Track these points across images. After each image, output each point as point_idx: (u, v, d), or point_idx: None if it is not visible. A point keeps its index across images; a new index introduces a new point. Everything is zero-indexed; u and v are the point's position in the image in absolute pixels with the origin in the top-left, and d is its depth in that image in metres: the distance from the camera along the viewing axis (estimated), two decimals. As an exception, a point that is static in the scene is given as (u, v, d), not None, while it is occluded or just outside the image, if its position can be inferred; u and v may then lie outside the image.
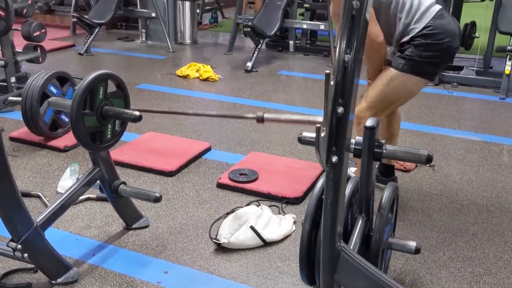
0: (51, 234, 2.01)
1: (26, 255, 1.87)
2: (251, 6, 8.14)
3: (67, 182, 2.75)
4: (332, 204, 1.47)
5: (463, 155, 3.39)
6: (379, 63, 2.45)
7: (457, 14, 5.26)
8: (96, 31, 5.94)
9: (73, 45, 6.42)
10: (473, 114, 4.32)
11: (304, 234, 1.71)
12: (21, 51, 4.22)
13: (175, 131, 3.70)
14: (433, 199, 2.80)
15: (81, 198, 2.56)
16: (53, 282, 2.01)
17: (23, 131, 3.39)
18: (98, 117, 2.08)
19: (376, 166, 2.26)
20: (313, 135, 1.42)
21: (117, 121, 2.19)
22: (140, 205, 2.54)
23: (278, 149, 3.42)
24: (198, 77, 5.10)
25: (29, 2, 4.17)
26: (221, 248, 2.29)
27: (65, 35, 7.04)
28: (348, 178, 1.64)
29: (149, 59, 5.94)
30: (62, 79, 3.37)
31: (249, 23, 5.46)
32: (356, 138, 1.65)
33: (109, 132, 2.16)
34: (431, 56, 2.35)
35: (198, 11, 7.41)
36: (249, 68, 5.40)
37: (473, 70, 5.07)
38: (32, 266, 2.04)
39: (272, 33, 5.75)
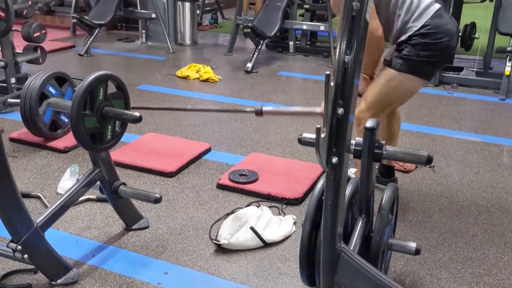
0: (51, 235, 2.01)
1: (26, 256, 1.87)
2: (251, 7, 8.15)
3: (67, 183, 2.75)
4: (332, 205, 1.47)
5: (463, 156, 3.39)
6: (377, 57, 2.44)
7: (457, 15, 5.26)
8: (96, 32, 5.94)
9: (73, 46, 6.42)
10: (473, 115, 4.33)
11: (304, 235, 1.71)
12: (21, 52, 4.22)
13: (175, 132, 3.71)
14: (433, 200, 2.80)
15: (81, 199, 2.56)
16: (53, 283, 2.01)
17: (23, 132, 3.39)
18: (98, 118, 2.08)
19: (376, 167, 2.26)
20: (313, 136, 1.41)
21: (117, 122, 2.19)
22: (140, 206, 2.54)
23: (278, 150, 3.42)
24: (198, 78, 5.10)
25: (29, 3, 4.17)
26: (221, 249, 2.29)
27: (65, 36, 7.04)
28: (348, 179, 1.64)
29: (149, 60, 5.95)
30: (61, 80, 3.37)
31: (249, 24, 5.47)
32: (356, 139, 1.65)
33: (109, 133, 2.16)
34: (429, 56, 2.35)
35: (198, 12, 7.42)
36: (249, 69, 5.40)
37: (473, 71, 5.07)
38: (32, 267, 2.04)
39: (272, 34, 5.76)
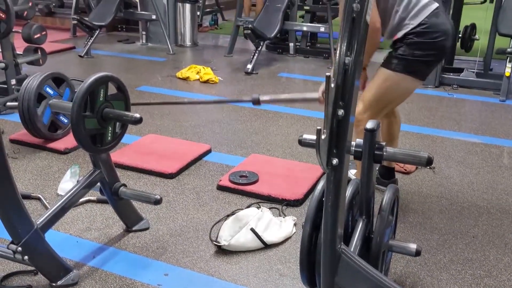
0: (51, 236, 2.01)
1: (26, 257, 1.87)
2: (252, 9, 8.15)
3: (67, 184, 2.75)
4: (333, 206, 1.47)
5: (463, 157, 3.39)
6: (373, 48, 2.43)
7: (457, 16, 5.27)
8: (96, 33, 5.95)
9: (74, 47, 6.42)
10: (473, 116, 4.33)
11: (304, 236, 1.71)
12: (21, 53, 4.22)
13: (175, 133, 3.71)
14: (434, 201, 2.79)
15: (81, 200, 2.57)
16: (53, 284, 2.00)
17: (23, 133, 3.39)
18: (98, 120, 2.08)
19: (377, 168, 2.26)
20: (314, 137, 1.42)
21: (117, 123, 2.19)
22: (141, 207, 2.54)
23: (279, 151, 3.42)
24: (198, 79, 5.11)
25: (30, 4, 4.17)
26: (222, 251, 2.29)
27: (65, 37, 7.05)
28: (349, 180, 1.64)
29: (150, 61, 5.95)
30: (58, 80, 3.37)
31: (249, 25, 5.47)
32: (356, 141, 1.65)
33: (109, 134, 2.16)
34: (424, 55, 2.35)
35: (198, 13, 7.43)
36: (249, 70, 5.40)
37: (473, 72, 5.07)
38: (32, 268, 2.04)
39: (272, 35, 5.76)
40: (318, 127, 1.37)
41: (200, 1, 7.81)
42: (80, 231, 2.43)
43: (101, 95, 2.07)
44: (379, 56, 2.56)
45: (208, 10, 8.42)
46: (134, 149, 3.31)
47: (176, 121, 3.96)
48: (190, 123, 3.91)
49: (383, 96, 2.44)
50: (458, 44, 5.46)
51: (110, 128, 2.15)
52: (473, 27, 5.47)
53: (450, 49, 2.48)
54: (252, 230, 2.30)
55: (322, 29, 6.00)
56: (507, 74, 4.59)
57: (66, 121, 3.42)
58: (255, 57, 5.50)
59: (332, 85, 1.34)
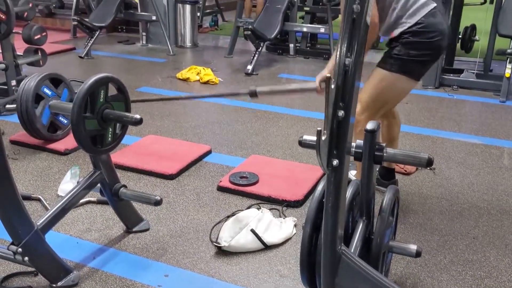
0: (51, 238, 2.01)
1: (26, 258, 1.87)
2: (252, 10, 8.16)
3: (67, 185, 2.75)
4: (333, 207, 1.47)
5: (463, 158, 3.38)
6: (369, 44, 2.44)
7: (457, 17, 5.27)
8: (96, 34, 5.95)
9: (74, 48, 6.43)
10: (474, 117, 4.33)
11: (304, 238, 1.71)
12: (21, 54, 4.23)
13: (176, 134, 3.71)
14: (434, 202, 2.79)
15: (81, 201, 2.56)
16: (54, 285, 2.00)
17: (23, 134, 3.39)
18: (98, 121, 2.08)
19: (377, 170, 2.26)
20: (314, 138, 1.42)
21: (117, 124, 2.19)
22: (141, 208, 2.54)
23: (279, 152, 3.42)
24: (199, 80, 5.11)
25: (30, 5, 4.18)
26: (222, 252, 2.29)
27: (65, 38, 7.05)
28: (349, 181, 1.64)
29: (150, 62, 5.95)
30: (56, 81, 3.37)
31: (250, 26, 5.47)
32: (356, 141, 1.65)
33: (109, 136, 2.16)
34: (419, 55, 2.34)
35: (198, 14, 7.43)
36: (249, 71, 5.41)
37: (473, 73, 5.07)
38: (33, 269, 2.04)
39: (273, 36, 5.76)
40: (319, 128, 1.37)
41: (200, 2, 7.81)
42: (80, 232, 2.43)
43: (102, 96, 2.07)
44: (377, 57, 2.56)
45: (208, 11, 8.42)
46: (134, 150, 3.31)
47: (176, 122, 3.96)
48: (190, 124, 3.91)
49: (380, 96, 2.45)
50: (458, 45, 5.46)
51: (110, 129, 2.15)
52: (473, 28, 5.47)
53: (446, 49, 2.48)
54: (252, 231, 2.30)
55: (322, 30, 6.00)
56: (507, 75, 4.59)
57: (65, 121, 3.42)
58: (255, 58, 5.50)
59: (332, 86, 1.34)
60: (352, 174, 2.89)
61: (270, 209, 2.60)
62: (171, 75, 5.31)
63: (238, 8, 6.31)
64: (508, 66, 4.60)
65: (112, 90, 2.16)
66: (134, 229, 2.43)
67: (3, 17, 3.69)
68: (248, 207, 2.65)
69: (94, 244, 2.34)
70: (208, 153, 3.35)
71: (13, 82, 3.98)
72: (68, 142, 3.34)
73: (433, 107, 4.47)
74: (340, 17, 5.76)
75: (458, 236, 2.47)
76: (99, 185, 2.25)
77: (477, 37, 5.49)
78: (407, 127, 3.91)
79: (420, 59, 2.36)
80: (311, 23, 6.40)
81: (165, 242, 2.37)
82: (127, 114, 2.15)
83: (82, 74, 4.98)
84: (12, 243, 1.87)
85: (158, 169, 3.03)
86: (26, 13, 4.16)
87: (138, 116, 2.09)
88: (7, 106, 3.73)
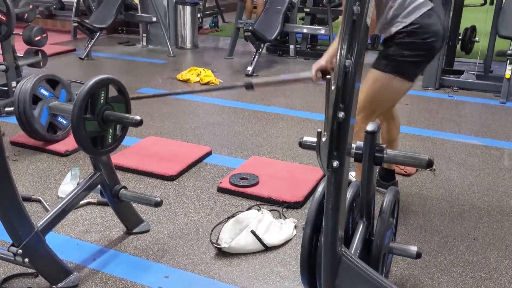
0: (52, 239, 2.01)
1: (26, 260, 1.87)
2: (253, 11, 8.17)
3: (68, 186, 2.75)
4: (333, 208, 1.47)
5: (463, 159, 3.38)
6: None
7: (457, 18, 5.27)
8: (97, 36, 5.95)
9: (74, 50, 6.43)
10: (474, 118, 4.33)
11: (305, 239, 1.71)
12: (22, 55, 4.23)
13: (176, 135, 3.71)
14: (434, 204, 2.79)
15: (82, 202, 2.56)
16: (54, 287, 2.00)
17: (23, 135, 3.39)
18: (99, 122, 2.08)
19: (377, 171, 2.26)
20: (314, 139, 1.42)
21: (118, 125, 2.19)
22: (141, 210, 2.54)
23: (279, 153, 3.42)
24: (199, 82, 5.11)
25: (31, 7, 4.18)
26: (222, 253, 2.29)
27: (66, 39, 7.06)
28: (349, 182, 1.64)
29: (150, 64, 5.95)
30: (54, 82, 3.37)
31: (250, 28, 5.48)
32: (357, 143, 1.65)
33: (110, 137, 2.16)
34: (413, 56, 2.34)
35: (198, 15, 7.43)
36: (249, 73, 5.41)
37: (474, 74, 5.07)
38: (33, 271, 2.04)
39: (273, 37, 5.77)
40: (319, 130, 1.37)
41: (201, 4, 7.82)
42: (81, 234, 2.43)
43: (102, 97, 2.08)
44: (372, 58, 2.56)
45: (208, 12, 8.43)
46: (135, 151, 3.31)
47: (176, 123, 3.96)
48: (191, 125, 3.91)
49: (375, 97, 2.44)
50: (459, 46, 5.47)
51: (110, 131, 2.16)
52: (473, 29, 5.48)
53: (440, 50, 2.48)
54: (253, 232, 2.30)
55: (322, 31, 6.01)
56: (507, 76, 4.59)
57: (65, 122, 3.43)
58: (255, 59, 5.50)
59: (333, 87, 1.34)
60: (352, 175, 2.89)
61: (270, 210, 2.60)
62: (172, 76, 5.31)
63: (238, 9, 6.32)
64: (508, 67, 4.61)
65: (113, 92, 2.16)
66: (134, 231, 2.43)
67: (4, 18, 3.69)
68: (248, 208, 2.65)
69: (94, 246, 2.34)
70: (208, 154, 3.35)
71: (14, 84, 3.98)
72: (68, 143, 3.34)
73: (433, 108, 4.47)
74: (340, 18, 5.77)
75: (459, 238, 2.47)
76: (99, 186, 2.25)
77: (477, 38, 5.49)
78: (407, 128, 3.91)
79: (413, 60, 2.36)
80: (311, 24, 6.40)
81: (165, 244, 2.37)
82: (127, 115, 2.15)
83: (82, 76, 4.98)
84: (12, 245, 1.87)
85: (158, 170, 3.03)
86: (26, 15, 4.16)
87: (138, 118, 2.09)
88: (6, 109, 3.74)
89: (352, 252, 1.65)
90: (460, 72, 5.17)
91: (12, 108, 3.49)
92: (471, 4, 5.72)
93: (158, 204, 2.22)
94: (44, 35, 4.21)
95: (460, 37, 5.39)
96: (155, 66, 5.84)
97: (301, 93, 4.95)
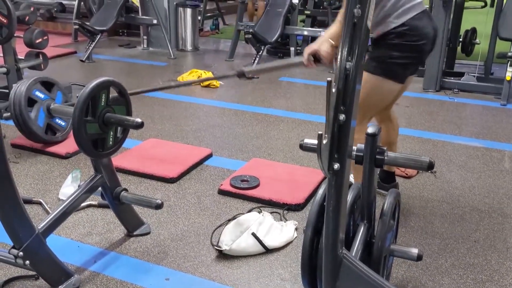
0: (52, 241, 2.01)
1: (27, 262, 1.87)
2: (254, 13, 8.18)
3: (68, 189, 2.75)
4: (334, 211, 1.47)
5: (464, 161, 3.38)
6: None
7: (457, 20, 5.28)
8: (97, 38, 5.96)
9: (75, 52, 6.44)
10: (474, 120, 4.33)
11: (306, 241, 1.71)
12: (23, 58, 4.23)
13: (176, 137, 3.71)
14: (435, 206, 2.79)
15: (82, 205, 2.56)
16: (55, 289, 2.00)
17: (24, 137, 3.39)
18: (100, 124, 2.08)
19: (377, 173, 2.26)
20: (315, 141, 1.42)
21: (119, 128, 2.20)
22: (142, 212, 2.54)
23: (280, 156, 3.42)
24: (199, 84, 5.11)
25: (32, 9, 4.19)
26: (223, 255, 2.29)
27: (67, 42, 7.07)
28: (350, 184, 1.64)
29: (151, 66, 5.96)
30: (49, 84, 3.38)
31: (250, 30, 5.48)
32: (357, 145, 1.65)
33: (111, 139, 2.16)
34: (402, 57, 2.33)
35: (199, 18, 7.44)
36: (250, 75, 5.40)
37: (474, 76, 5.08)
38: (34, 273, 2.04)
39: (273, 39, 5.77)
40: (320, 132, 1.37)
41: (201, 6, 7.83)
42: (81, 236, 2.43)
43: (103, 100, 2.08)
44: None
45: (209, 14, 8.44)
46: (135, 154, 3.31)
47: (177, 125, 3.96)
48: (191, 128, 3.91)
49: (365, 99, 2.43)
50: (459, 48, 5.47)
51: (111, 133, 2.16)
52: (473, 31, 5.48)
53: (429, 53, 2.47)
54: (253, 234, 2.30)
55: (323, 34, 6.00)
56: (507, 78, 4.59)
57: (63, 123, 3.43)
58: (256, 61, 5.51)
59: (334, 90, 1.35)
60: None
61: (271, 213, 2.60)
62: (172, 78, 5.31)
63: (239, 11, 6.33)
64: (509, 69, 4.61)
65: (113, 93, 2.16)
66: (135, 233, 2.43)
67: (5, 21, 3.70)
68: (249, 211, 2.65)
69: (95, 248, 2.34)
70: (209, 156, 3.35)
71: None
72: (69, 145, 3.34)
73: (434, 110, 4.47)
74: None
75: (459, 240, 2.46)
76: (100, 188, 2.25)
77: (477, 40, 5.50)
78: (408, 130, 3.91)
79: (402, 62, 2.35)
80: (311, 26, 6.41)
81: (166, 246, 2.37)
82: (128, 117, 2.15)
83: (83, 78, 4.99)
84: (13, 247, 1.87)
85: (159, 172, 3.03)
86: (27, 17, 4.17)
87: (139, 120, 2.09)
88: (4, 114, 3.73)
89: (353, 254, 1.65)
90: (460, 74, 5.18)
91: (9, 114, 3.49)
92: (471, 6, 5.72)
93: (158, 206, 2.22)
94: (45, 37, 4.22)
95: (461, 39, 5.39)
96: (156, 69, 5.84)
97: (301, 95, 4.96)
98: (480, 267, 2.26)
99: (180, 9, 6.64)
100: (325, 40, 2.47)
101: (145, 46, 6.85)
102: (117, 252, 2.32)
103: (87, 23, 5.99)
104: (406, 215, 2.67)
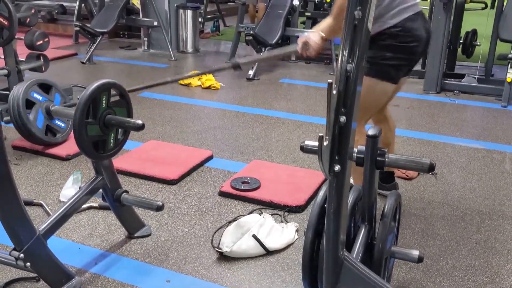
0: (53, 243, 2.01)
1: (28, 264, 1.87)
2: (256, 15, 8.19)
3: (69, 190, 2.75)
4: (335, 212, 1.47)
5: (465, 163, 3.38)
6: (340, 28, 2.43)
7: (458, 22, 5.28)
8: (98, 40, 5.97)
9: (76, 54, 6.45)
10: (475, 122, 4.33)
11: (306, 243, 1.71)
12: (24, 60, 4.24)
13: (177, 139, 3.71)
14: (436, 207, 2.79)
15: (83, 206, 2.56)
16: (56, 291, 2.00)
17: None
18: (101, 126, 2.08)
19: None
20: (316, 143, 1.42)
21: (119, 129, 2.20)
22: (142, 214, 2.54)
23: (280, 157, 3.42)
24: (200, 85, 5.12)
25: (33, 11, 4.19)
26: (224, 257, 2.29)
27: (67, 44, 7.08)
28: (350, 186, 1.64)
29: (152, 68, 5.97)
30: (47, 86, 3.38)
31: (251, 32, 5.49)
32: (358, 147, 1.65)
33: (111, 141, 2.16)
34: (394, 58, 2.33)
35: (200, 19, 7.45)
36: (250, 76, 5.42)
37: (475, 78, 5.08)
38: (35, 275, 2.04)
39: (274, 41, 5.77)
40: (320, 134, 1.37)
41: (202, 8, 7.84)
42: (82, 238, 2.43)
43: (104, 102, 2.08)
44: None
45: (209, 16, 8.45)
46: (136, 155, 3.31)
47: (178, 127, 3.96)
48: (192, 129, 3.92)
49: (362, 101, 2.43)
50: (460, 50, 5.47)
51: (112, 135, 2.16)
52: (474, 33, 5.48)
53: (422, 54, 2.47)
54: (254, 236, 2.30)
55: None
56: (508, 79, 4.60)
57: (63, 125, 3.44)
58: (256, 63, 5.51)
59: (334, 91, 1.35)
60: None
61: (271, 215, 2.60)
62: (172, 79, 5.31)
63: (239, 13, 6.33)
64: (510, 70, 4.61)
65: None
66: (136, 235, 2.43)
67: (6, 23, 3.70)
68: (250, 213, 2.65)
69: (96, 250, 2.34)
70: (210, 158, 3.35)
71: (16, 88, 3.99)
72: (70, 147, 3.34)
73: (434, 112, 4.47)
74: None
75: (460, 242, 2.46)
76: (101, 190, 2.25)
77: (478, 42, 5.50)
78: (408, 132, 3.91)
79: (394, 63, 2.34)
80: (312, 28, 6.41)
81: (167, 248, 2.37)
82: (129, 119, 2.15)
83: (84, 80, 5.00)
84: (14, 249, 1.87)
85: (159, 174, 3.03)
86: (28, 19, 4.18)
87: (140, 122, 2.09)
88: (5, 118, 3.73)
89: (354, 256, 1.65)
90: (461, 76, 5.18)
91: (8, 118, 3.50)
92: (472, 8, 5.73)
93: (159, 208, 2.23)
94: (46, 39, 4.22)
95: (461, 41, 5.39)
96: (157, 70, 5.85)
97: (302, 97, 4.95)
98: (481, 269, 2.26)
99: (181, 11, 6.65)
100: (316, 31, 2.52)
101: (145, 48, 6.86)
102: (118, 254, 2.32)
103: (88, 25, 6.00)
104: (407, 217, 2.66)
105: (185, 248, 2.37)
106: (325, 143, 1.38)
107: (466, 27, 5.46)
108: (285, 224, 2.53)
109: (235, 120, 4.17)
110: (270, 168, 3.16)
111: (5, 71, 3.91)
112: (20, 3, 4.27)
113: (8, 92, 3.97)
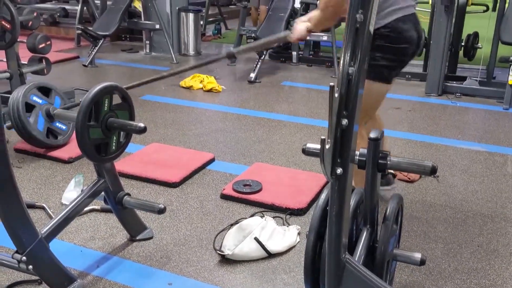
0: (55, 246, 2.01)
1: (30, 267, 1.87)
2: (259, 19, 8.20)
3: (71, 193, 2.75)
4: (337, 215, 1.47)
5: (467, 166, 3.38)
6: (328, 19, 2.49)
7: (459, 25, 5.28)
8: (100, 43, 5.98)
9: (78, 57, 6.46)
10: (477, 124, 4.32)
11: (308, 246, 1.71)
12: (26, 63, 4.25)
13: (179, 142, 3.72)
14: (438, 210, 2.79)
15: (85, 209, 2.57)
16: (58, 294, 2.01)
17: (28, 142, 3.41)
18: (103, 129, 2.09)
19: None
20: (318, 146, 1.42)
21: (121, 132, 2.20)
22: (144, 217, 2.54)
23: (282, 160, 3.42)
24: (202, 88, 5.13)
25: (35, 14, 4.21)
26: (225, 260, 2.29)
27: (70, 47, 7.09)
28: (352, 189, 1.64)
29: (153, 71, 5.97)
30: (46, 89, 3.39)
31: (252, 34, 5.50)
32: (360, 150, 1.65)
33: (114, 144, 2.17)
34: (385, 59, 2.32)
35: (201, 22, 7.46)
36: (252, 79, 5.42)
37: (476, 80, 5.07)
38: (37, 278, 2.04)
39: (276, 44, 5.78)
40: (322, 137, 1.37)
41: (203, 11, 7.85)
42: (84, 241, 2.43)
43: (106, 105, 2.08)
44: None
45: (211, 19, 8.46)
46: (138, 158, 3.31)
47: (179, 130, 3.97)
48: (194, 132, 3.92)
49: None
50: (461, 52, 5.47)
51: (114, 138, 2.16)
52: (475, 35, 5.49)
53: (413, 56, 2.47)
54: (256, 239, 2.30)
55: (325, 38, 6.02)
56: (510, 82, 4.59)
57: (64, 127, 3.44)
58: (258, 66, 5.52)
59: (336, 94, 1.35)
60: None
61: (273, 217, 2.60)
62: (175, 83, 5.32)
63: (241, 16, 6.35)
64: (511, 73, 4.60)
65: (116, 98, 2.17)
66: (137, 237, 2.44)
67: (8, 26, 3.72)
68: (252, 215, 2.65)
69: (98, 253, 2.34)
70: (212, 161, 3.35)
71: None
72: (72, 150, 3.35)
73: (436, 115, 4.47)
74: (342, 25, 5.78)
75: (463, 244, 2.46)
76: (103, 193, 2.26)
77: (479, 44, 5.50)
78: (410, 134, 3.91)
79: (385, 64, 2.34)
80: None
81: (168, 250, 2.37)
82: (131, 122, 2.15)
83: (86, 83, 5.01)
84: (17, 252, 1.87)
85: (161, 177, 3.03)
86: (30, 22, 4.19)
87: (142, 125, 2.09)
88: (7, 124, 3.74)
89: (356, 259, 1.65)
90: (463, 78, 5.18)
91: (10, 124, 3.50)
92: (473, 11, 5.73)
93: (161, 211, 2.23)
94: (48, 42, 4.24)
95: (463, 44, 5.39)
96: (158, 73, 5.85)
97: (304, 100, 4.96)
98: (483, 271, 2.25)
99: (183, 14, 6.66)
100: (304, 21, 2.58)
101: (147, 51, 6.87)
102: (120, 256, 2.32)
103: (90, 28, 6.01)
104: (409, 220, 2.66)
105: (187, 251, 2.37)
106: (327, 146, 1.38)
107: (467, 29, 5.46)
108: (287, 226, 2.53)
109: (237, 123, 4.18)
110: (272, 171, 3.16)
111: (7, 74, 3.92)
112: (23, 6, 4.28)
113: (10, 95, 3.99)
